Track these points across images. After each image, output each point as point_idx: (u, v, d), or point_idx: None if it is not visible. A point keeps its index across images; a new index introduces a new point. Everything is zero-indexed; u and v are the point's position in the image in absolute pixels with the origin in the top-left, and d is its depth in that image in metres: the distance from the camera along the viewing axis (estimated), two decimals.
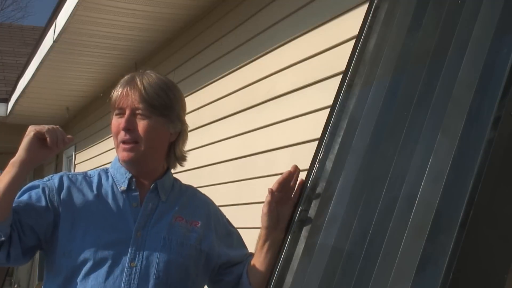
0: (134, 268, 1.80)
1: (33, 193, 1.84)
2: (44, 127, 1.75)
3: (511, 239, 1.24)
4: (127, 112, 1.86)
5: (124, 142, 1.87)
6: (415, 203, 1.37)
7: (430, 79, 1.52)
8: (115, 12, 4.97)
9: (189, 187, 2.07)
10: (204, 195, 2.10)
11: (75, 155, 9.27)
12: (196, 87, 4.90)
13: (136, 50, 5.97)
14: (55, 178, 1.90)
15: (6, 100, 9.32)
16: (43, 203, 1.83)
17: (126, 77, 1.93)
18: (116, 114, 1.89)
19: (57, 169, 10.44)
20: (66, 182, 1.88)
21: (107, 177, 1.94)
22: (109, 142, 7.12)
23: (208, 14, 4.80)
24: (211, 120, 4.58)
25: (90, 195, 1.88)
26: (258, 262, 1.88)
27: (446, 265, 1.19)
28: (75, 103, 8.54)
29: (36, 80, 7.19)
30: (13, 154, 1.76)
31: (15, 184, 1.71)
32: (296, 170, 1.86)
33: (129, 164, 1.90)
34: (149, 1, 4.70)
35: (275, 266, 1.77)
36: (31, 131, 1.74)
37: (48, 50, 6.04)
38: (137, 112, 1.86)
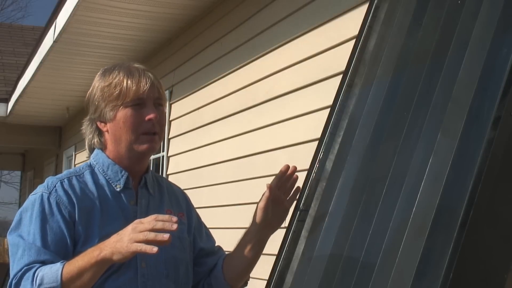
0: (145, 269, 1.78)
1: (55, 228, 1.73)
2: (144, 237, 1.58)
3: (511, 239, 1.24)
4: (150, 102, 1.78)
5: (148, 133, 1.79)
6: (415, 203, 1.37)
7: (430, 79, 1.52)
8: (115, 12, 4.98)
9: (161, 176, 2.02)
10: (174, 184, 2.06)
11: (75, 155, 9.27)
12: (196, 87, 4.90)
13: (136, 50, 5.97)
14: (58, 189, 1.77)
15: (6, 100, 9.32)
16: (65, 229, 1.73)
17: (127, 67, 1.83)
18: (133, 105, 1.77)
19: (57, 169, 10.44)
20: (69, 190, 1.77)
21: (98, 175, 1.83)
22: None
23: (208, 14, 4.80)
24: (211, 120, 4.58)
25: (93, 199, 1.79)
26: (240, 257, 1.86)
27: (446, 265, 1.19)
28: (75, 103, 8.53)
29: (36, 80, 7.19)
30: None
31: (97, 278, 1.66)
32: (291, 168, 1.81)
33: (147, 156, 1.83)
34: (149, 1, 4.70)
35: (274, 266, 1.76)
36: (132, 248, 1.58)
37: (48, 50, 6.04)
38: (158, 102, 1.80)
